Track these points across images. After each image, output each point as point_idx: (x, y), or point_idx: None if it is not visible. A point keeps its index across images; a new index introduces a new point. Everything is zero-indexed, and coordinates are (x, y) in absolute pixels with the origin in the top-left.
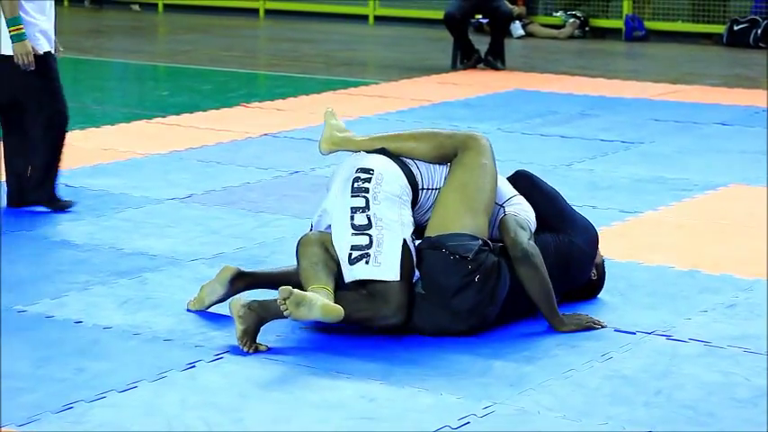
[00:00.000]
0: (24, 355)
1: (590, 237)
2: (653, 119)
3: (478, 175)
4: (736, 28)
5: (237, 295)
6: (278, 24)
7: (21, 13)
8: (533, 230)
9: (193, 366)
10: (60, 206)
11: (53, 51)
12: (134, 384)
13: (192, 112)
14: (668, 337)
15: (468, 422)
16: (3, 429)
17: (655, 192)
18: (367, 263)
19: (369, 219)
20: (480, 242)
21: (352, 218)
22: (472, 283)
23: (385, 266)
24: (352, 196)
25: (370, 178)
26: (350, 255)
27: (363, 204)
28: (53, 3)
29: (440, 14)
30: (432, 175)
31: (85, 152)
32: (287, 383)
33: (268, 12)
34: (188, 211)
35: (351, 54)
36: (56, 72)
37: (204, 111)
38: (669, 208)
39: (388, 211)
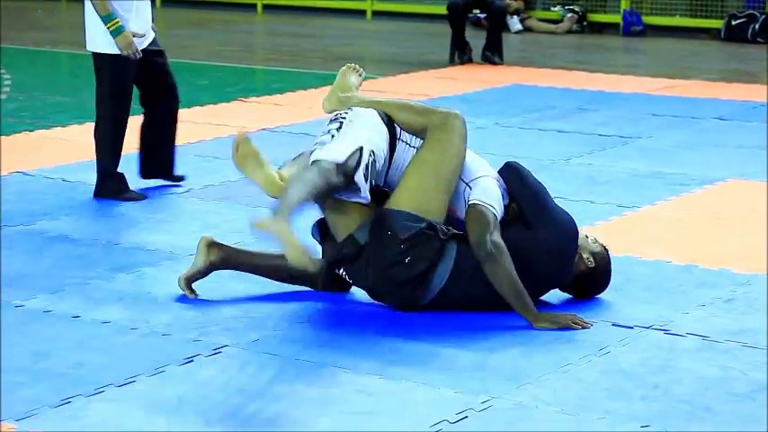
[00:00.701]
0: (22, 350)
1: (560, 230)
2: (651, 113)
3: (439, 152)
4: (734, 23)
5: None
6: (276, 19)
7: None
8: (500, 215)
9: (191, 361)
10: (128, 197)
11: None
12: (132, 379)
13: (189, 107)
14: (666, 331)
15: (466, 416)
16: (1, 424)
17: (652, 186)
18: (321, 150)
19: (337, 130)
20: (424, 225)
21: (323, 134)
22: (402, 263)
23: (333, 151)
24: (329, 123)
25: (348, 113)
26: (313, 150)
27: (337, 126)
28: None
29: (437, 9)
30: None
31: (83, 147)
32: (285, 378)
33: (266, 6)
34: (186, 206)
35: (348, 49)
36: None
37: (202, 105)
38: (667, 202)
39: (358, 128)
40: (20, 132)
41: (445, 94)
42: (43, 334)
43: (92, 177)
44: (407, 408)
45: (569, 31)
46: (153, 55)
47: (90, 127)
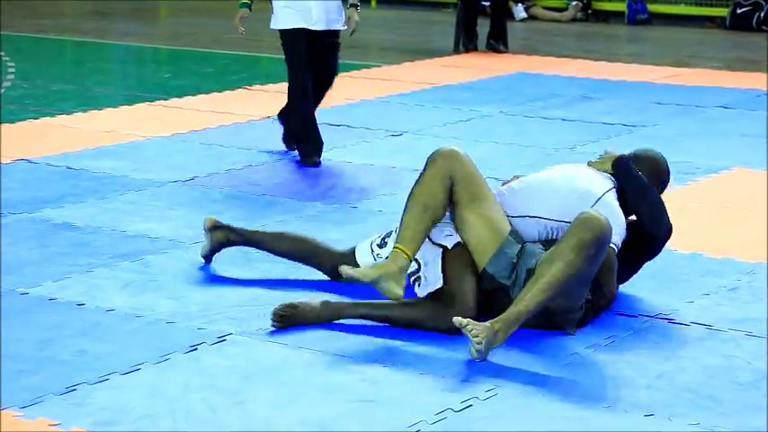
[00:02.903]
0: (27, 338)
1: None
2: (655, 102)
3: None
4: (739, 11)
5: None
6: None
7: None
8: (622, 236)
9: (196, 349)
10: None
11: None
12: (137, 367)
13: (194, 95)
14: (670, 320)
15: (471, 405)
16: (6, 411)
17: None
18: (419, 285)
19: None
20: (582, 309)
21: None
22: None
23: (431, 279)
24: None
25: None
26: (410, 281)
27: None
28: None
29: None
30: None
31: (87, 134)
32: (289, 366)
33: None
34: (190, 194)
35: (353, 37)
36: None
37: (206, 93)
38: (671, 191)
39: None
40: (24, 120)
41: (449, 82)
42: (48, 322)
43: (96, 165)
44: (412, 396)
45: (574, 20)
46: (323, 38)
47: (94, 114)
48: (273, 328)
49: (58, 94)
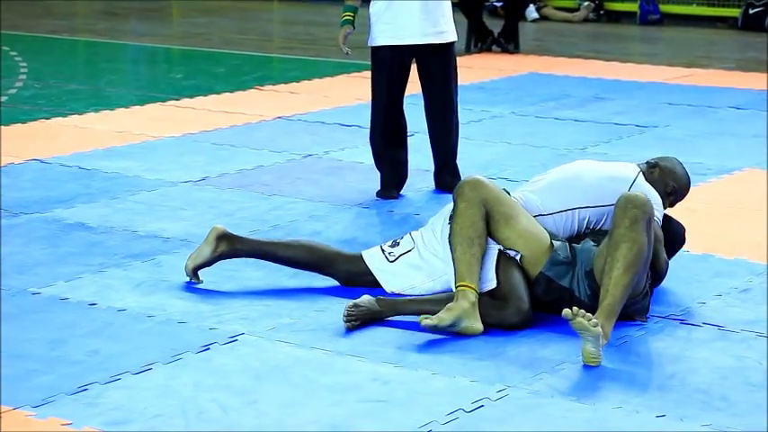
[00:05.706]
0: (39, 337)
1: None
2: (667, 103)
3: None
4: (751, 12)
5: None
6: (292, 7)
7: None
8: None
9: (208, 349)
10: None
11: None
12: (148, 366)
13: (205, 95)
14: (682, 321)
15: (482, 405)
16: (18, 411)
17: None
18: None
19: None
20: (647, 296)
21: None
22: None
23: (483, 278)
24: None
25: None
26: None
27: None
28: None
29: None
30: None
31: (99, 134)
32: (301, 366)
33: None
34: (202, 194)
35: (364, 37)
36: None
37: (218, 93)
38: None
39: None
40: (36, 120)
41: (461, 83)
42: (60, 321)
43: (108, 165)
44: (423, 396)
45: (586, 20)
46: (427, 54)
47: (106, 114)
48: (348, 329)
49: (71, 95)
